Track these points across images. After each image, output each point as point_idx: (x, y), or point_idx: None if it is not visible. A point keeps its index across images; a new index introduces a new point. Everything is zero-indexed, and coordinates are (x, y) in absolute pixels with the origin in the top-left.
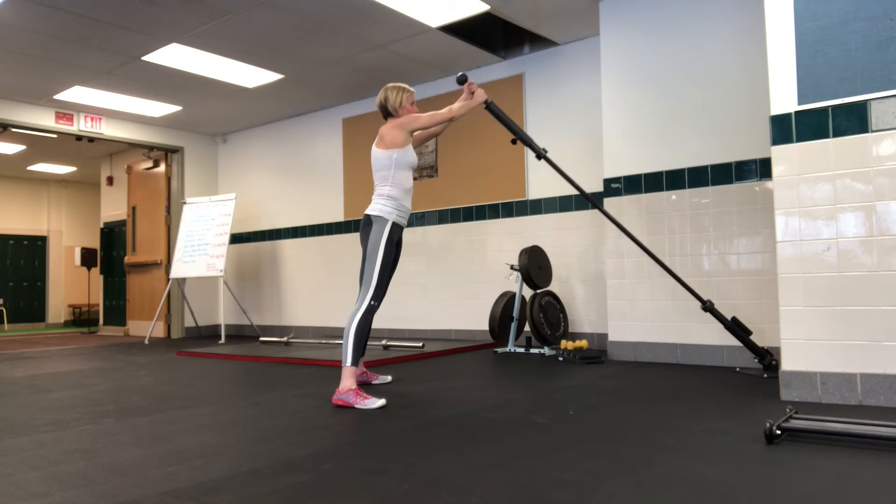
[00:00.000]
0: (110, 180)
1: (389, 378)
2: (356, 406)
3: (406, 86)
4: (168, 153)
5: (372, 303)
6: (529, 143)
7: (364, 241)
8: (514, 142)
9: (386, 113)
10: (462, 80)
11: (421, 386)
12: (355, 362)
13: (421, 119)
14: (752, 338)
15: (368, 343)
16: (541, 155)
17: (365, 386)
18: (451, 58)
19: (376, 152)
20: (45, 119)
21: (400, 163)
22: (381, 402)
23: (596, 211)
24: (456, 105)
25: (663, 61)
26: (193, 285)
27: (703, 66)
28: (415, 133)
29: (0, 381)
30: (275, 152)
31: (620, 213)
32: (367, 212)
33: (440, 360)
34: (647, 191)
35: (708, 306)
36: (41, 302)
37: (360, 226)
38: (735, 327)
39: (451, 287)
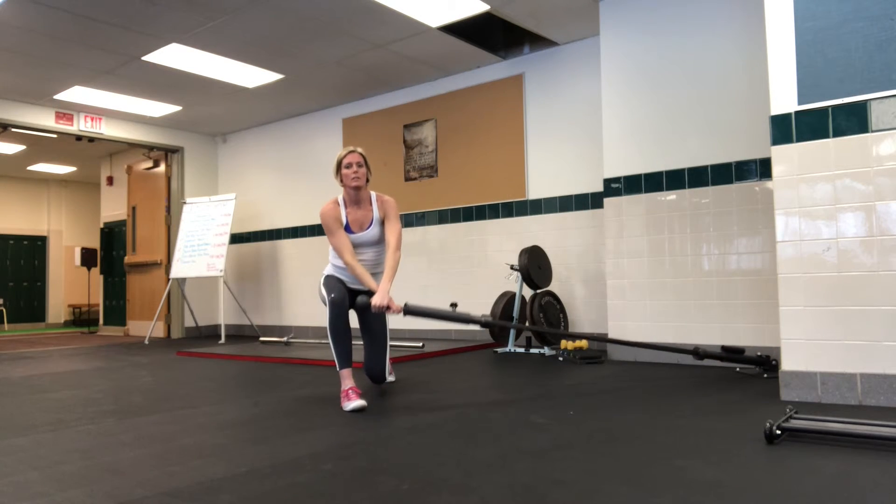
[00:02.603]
0: (110, 180)
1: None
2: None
3: (346, 150)
4: (168, 153)
5: (331, 296)
6: (468, 320)
7: None
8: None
9: None
10: (362, 307)
11: (421, 386)
12: (341, 364)
13: (331, 239)
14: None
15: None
16: (487, 323)
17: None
18: (451, 58)
19: None
20: (45, 119)
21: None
22: (356, 404)
23: (596, 211)
24: (362, 271)
25: (663, 61)
26: (193, 285)
27: (704, 65)
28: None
29: (0, 381)
30: (274, 152)
31: (620, 212)
32: None
33: (440, 359)
34: (647, 191)
35: (700, 354)
36: (41, 302)
37: None
38: (729, 356)
39: (452, 287)
